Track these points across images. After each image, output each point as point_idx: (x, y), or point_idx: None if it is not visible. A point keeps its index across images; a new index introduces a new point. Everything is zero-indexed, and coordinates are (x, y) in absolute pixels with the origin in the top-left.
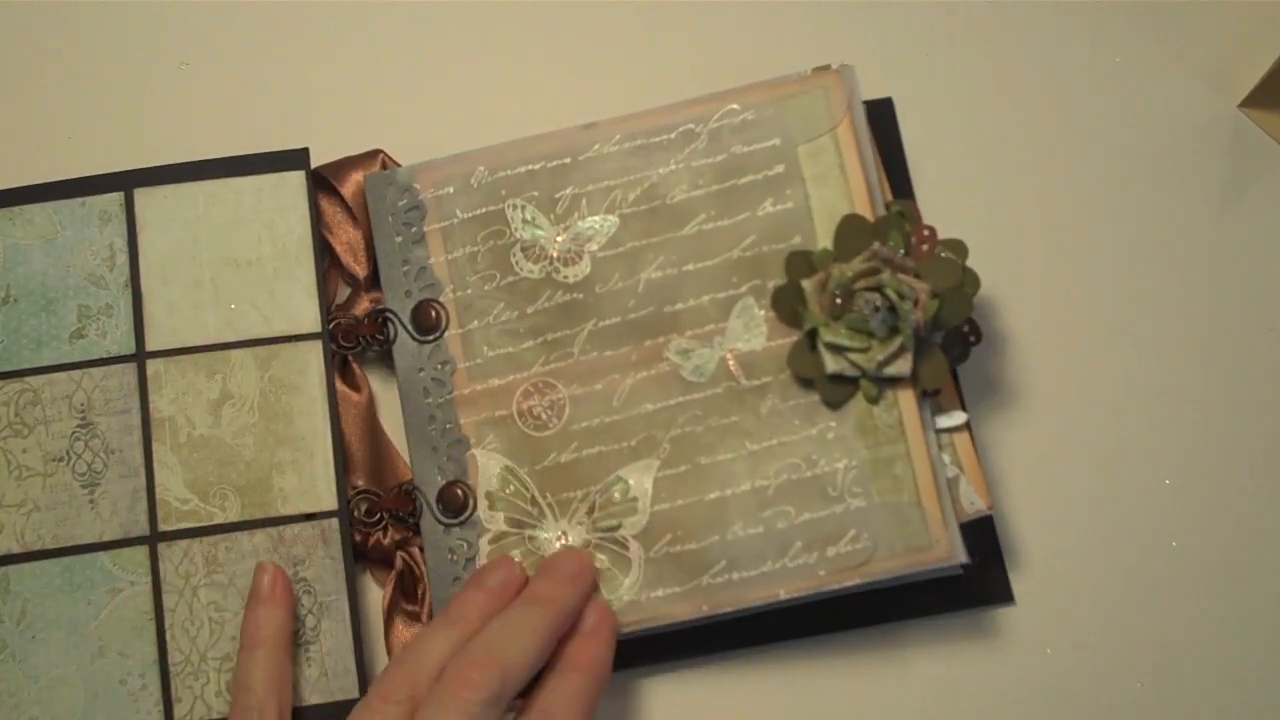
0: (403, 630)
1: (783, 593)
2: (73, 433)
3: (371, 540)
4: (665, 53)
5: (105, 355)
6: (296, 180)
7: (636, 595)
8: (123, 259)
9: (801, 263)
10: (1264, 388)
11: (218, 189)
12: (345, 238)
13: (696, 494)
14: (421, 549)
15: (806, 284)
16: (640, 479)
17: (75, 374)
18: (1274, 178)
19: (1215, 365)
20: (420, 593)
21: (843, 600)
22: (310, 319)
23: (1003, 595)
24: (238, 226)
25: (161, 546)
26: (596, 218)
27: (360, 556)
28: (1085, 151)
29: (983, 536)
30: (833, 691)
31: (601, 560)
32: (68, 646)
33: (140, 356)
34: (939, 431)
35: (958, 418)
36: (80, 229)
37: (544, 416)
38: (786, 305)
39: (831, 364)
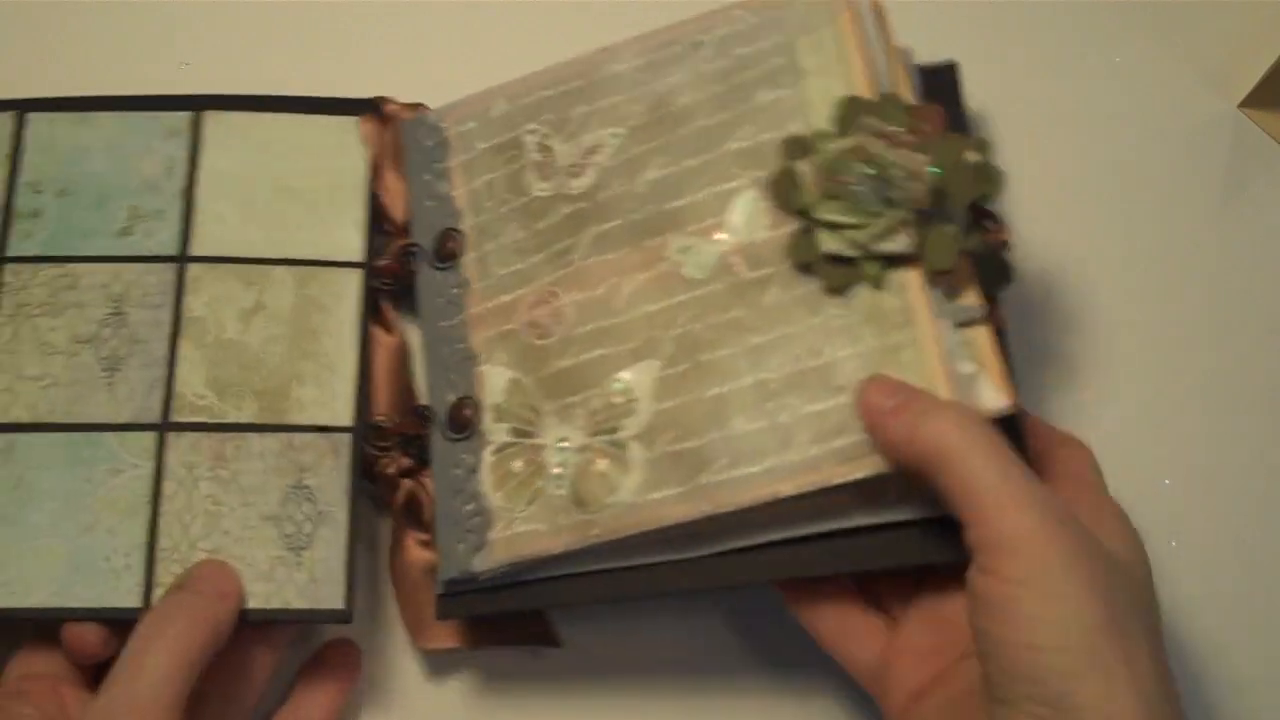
0: (416, 552)
1: (786, 488)
2: (103, 319)
3: (379, 466)
4: None
5: (148, 254)
6: (359, 125)
7: (635, 497)
8: (181, 170)
9: (797, 146)
10: (1263, 387)
11: (284, 122)
12: (391, 187)
13: (697, 391)
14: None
15: (802, 164)
16: (640, 378)
17: (116, 267)
18: (1274, 178)
19: (1214, 365)
20: (427, 521)
21: (831, 542)
22: (354, 249)
23: None
24: (297, 157)
25: (171, 435)
26: (605, 130)
27: (368, 478)
28: (1084, 151)
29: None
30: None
31: (601, 465)
32: (58, 517)
33: (183, 259)
34: (959, 325)
35: (973, 308)
36: (145, 139)
37: (546, 324)
38: (783, 191)
39: (828, 242)
